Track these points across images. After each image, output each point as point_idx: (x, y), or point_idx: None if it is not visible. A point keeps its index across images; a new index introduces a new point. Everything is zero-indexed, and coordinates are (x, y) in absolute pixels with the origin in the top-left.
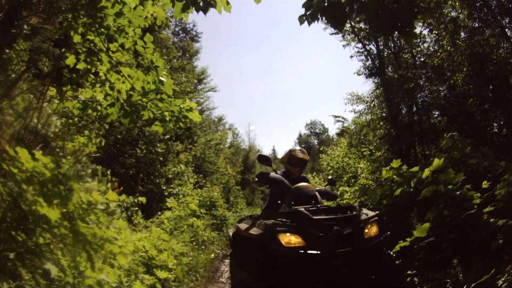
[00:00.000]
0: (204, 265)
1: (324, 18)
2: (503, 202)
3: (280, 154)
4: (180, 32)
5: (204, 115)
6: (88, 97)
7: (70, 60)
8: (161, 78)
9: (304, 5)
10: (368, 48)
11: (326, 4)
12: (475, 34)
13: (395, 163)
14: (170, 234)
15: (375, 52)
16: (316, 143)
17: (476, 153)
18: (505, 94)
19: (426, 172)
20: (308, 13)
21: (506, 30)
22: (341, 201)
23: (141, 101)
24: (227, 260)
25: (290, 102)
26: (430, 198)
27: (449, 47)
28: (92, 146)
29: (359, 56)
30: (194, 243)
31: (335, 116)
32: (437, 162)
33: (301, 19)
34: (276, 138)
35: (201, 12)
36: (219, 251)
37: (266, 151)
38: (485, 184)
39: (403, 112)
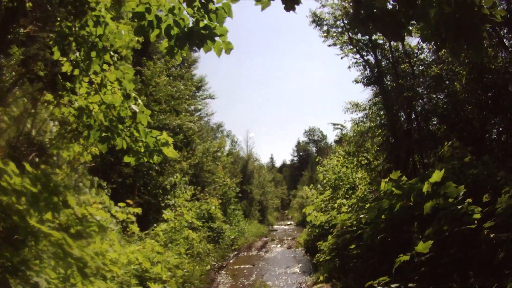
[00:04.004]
0: (199, 277)
1: (376, 28)
2: (503, 216)
3: (278, 163)
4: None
5: (202, 122)
6: (82, 104)
7: (66, 67)
8: (133, 107)
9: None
10: (366, 59)
11: (375, 11)
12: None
13: (394, 175)
14: (165, 246)
15: (373, 62)
16: (315, 151)
17: (476, 162)
18: (504, 101)
19: (426, 185)
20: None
21: (504, 40)
22: (338, 215)
23: (115, 127)
24: (223, 271)
25: (289, 109)
26: (430, 213)
27: (448, 57)
28: (87, 155)
29: (357, 66)
30: (189, 255)
31: (334, 124)
32: (437, 174)
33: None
34: (275, 146)
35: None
36: (214, 263)
37: (264, 160)
38: (486, 198)
39: (402, 119)
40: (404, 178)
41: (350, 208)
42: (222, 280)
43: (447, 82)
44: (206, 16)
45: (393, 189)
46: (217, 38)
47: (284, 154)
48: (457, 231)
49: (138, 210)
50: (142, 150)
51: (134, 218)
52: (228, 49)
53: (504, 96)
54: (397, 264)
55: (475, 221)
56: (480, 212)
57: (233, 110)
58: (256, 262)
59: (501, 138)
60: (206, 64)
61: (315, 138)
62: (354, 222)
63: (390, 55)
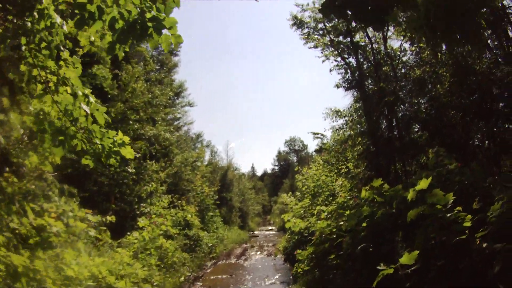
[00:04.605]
0: None
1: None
2: (497, 225)
3: (259, 171)
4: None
5: (182, 131)
6: (37, 109)
7: (22, 67)
8: (83, 106)
9: None
10: (347, 61)
11: None
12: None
13: (376, 182)
14: (135, 257)
15: (354, 65)
16: (296, 160)
17: (463, 169)
18: (488, 105)
19: (412, 193)
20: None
21: (489, 41)
22: (318, 222)
23: (68, 129)
24: (198, 283)
25: (270, 119)
26: (415, 221)
27: (432, 59)
28: (47, 164)
29: (339, 70)
30: (162, 266)
31: (314, 133)
32: (424, 182)
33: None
34: (256, 155)
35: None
36: (189, 273)
37: (245, 169)
38: (475, 205)
39: (383, 127)
40: (386, 185)
41: (329, 215)
42: None
43: (429, 86)
44: (154, 6)
45: (375, 196)
46: (165, 31)
47: (266, 163)
48: (445, 240)
49: (112, 219)
50: (99, 151)
51: (104, 228)
52: (178, 42)
53: (488, 100)
54: (379, 277)
55: (466, 230)
56: (471, 220)
57: (213, 120)
58: (234, 272)
59: (485, 144)
60: (187, 73)
61: (296, 147)
62: (334, 230)
63: (372, 58)
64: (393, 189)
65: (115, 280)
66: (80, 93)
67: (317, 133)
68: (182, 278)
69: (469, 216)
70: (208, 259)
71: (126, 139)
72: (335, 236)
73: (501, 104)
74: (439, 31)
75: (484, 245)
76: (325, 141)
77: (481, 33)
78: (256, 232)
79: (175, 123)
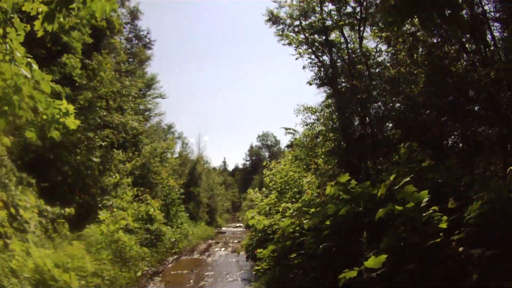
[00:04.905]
0: (125, 285)
1: None
2: (475, 227)
3: (231, 166)
4: (133, 38)
5: (153, 122)
6: None
7: None
8: (23, 71)
9: None
10: (321, 59)
11: None
12: (435, 49)
13: (343, 178)
14: (89, 251)
15: (328, 63)
16: (267, 155)
17: (438, 166)
18: (463, 107)
19: (382, 188)
20: None
21: (466, 45)
22: (282, 220)
23: (11, 98)
24: (157, 278)
25: (243, 113)
26: (384, 220)
27: (407, 59)
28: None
29: (312, 67)
30: (119, 260)
31: (286, 128)
32: (393, 176)
33: None
34: (228, 150)
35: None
36: (147, 268)
37: (216, 163)
38: (452, 204)
39: (355, 123)
40: (353, 181)
41: (294, 213)
42: None
43: (404, 86)
44: None
45: (340, 193)
46: None
47: (238, 158)
48: (417, 243)
49: (71, 211)
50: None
51: (62, 220)
52: (112, 9)
53: (464, 102)
54: (341, 281)
55: (441, 232)
56: (447, 221)
57: (187, 113)
58: (196, 268)
59: (459, 146)
60: (162, 66)
61: (268, 143)
62: (297, 228)
63: (347, 56)
64: (361, 185)
65: (61, 273)
66: (18, 54)
67: (289, 129)
68: (139, 273)
69: (445, 217)
70: (170, 254)
71: (71, 107)
72: (298, 234)
73: (476, 106)
74: (416, 11)
75: (460, 249)
76: (297, 136)
77: (463, 6)
78: (223, 229)
79: (146, 113)
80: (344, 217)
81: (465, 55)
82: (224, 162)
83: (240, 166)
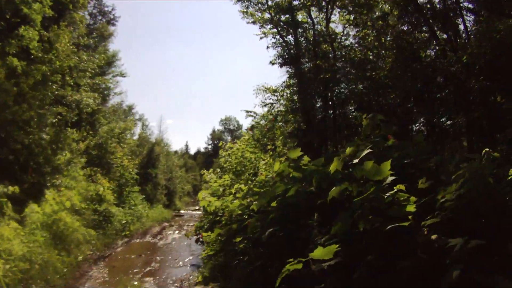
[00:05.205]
0: (62, 270)
1: None
2: (451, 211)
3: (193, 150)
4: (98, 14)
5: (114, 102)
6: None
7: None
8: None
9: None
10: (286, 40)
11: None
12: (404, 34)
13: (293, 153)
14: (30, 232)
15: (292, 43)
16: (229, 139)
17: (404, 142)
18: (430, 93)
19: (336, 162)
20: None
21: (438, 32)
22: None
23: None
24: (102, 263)
25: (208, 98)
26: (339, 201)
27: (375, 43)
28: None
29: (276, 47)
30: (58, 243)
31: (247, 111)
32: (350, 150)
33: None
34: (192, 134)
35: None
36: (91, 252)
37: (178, 146)
38: (423, 184)
39: (317, 105)
40: (306, 158)
41: (247, 194)
42: (96, 274)
43: (368, 67)
44: None
45: (291, 170)
46: None
47: (200, 142)
48: (378, 228)
49: (14, 189)
50: None
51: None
52: None
53: (431, 88)
54: (283, 274)
55: (409, 216)
56: (416, 203)
57: (152, 96)
58: (146, 251)
59: (423, 132)
60: (126, 46)
61: (231, 127)
62: (246, 211)
63: (313, 37)
64: (315, 162)
65: None
66: None
67: (250, 111)
68: (81, 257)
69: (414, 198)
70: (120, 237)
71: None
72: (246, 217)
73: (444, 93)
74: None
75: (433, 237)
76: (257, 119)
77: None
78: (182, 212)
79: (106, 92)
80: (293, 198)
81: (435, 42)
82: (186, 145)
83: (202, 150)
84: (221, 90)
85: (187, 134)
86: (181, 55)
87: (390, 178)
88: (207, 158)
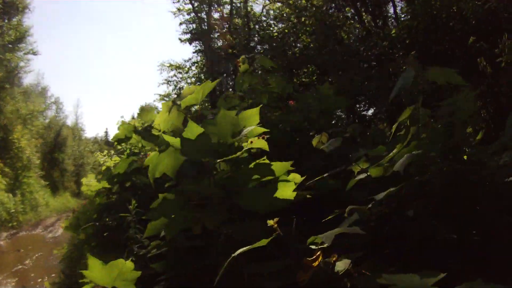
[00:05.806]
0: None
1: None
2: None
3: (112, 136)
4: None
5: (27, 83)
6: None
7: None
8: None
9: None
10: (200, 16)
11: None
12: (326, 15)
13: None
14: None
15: (205, 19)
16: None
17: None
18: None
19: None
20: None
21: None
22: None
23: None
24: None
25: (128, 84)
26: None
27: (294, 20)
28: None
29: (190, 24)
30: None
31: (160, 95)
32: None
33: None
34: (112, 120)
35: None
36: None
37: (92, 132)
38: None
39: (226, 83)
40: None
41: None
42: None
43: (287, 48)
44: None
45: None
46: None
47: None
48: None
49: None
50: None
51: None
52: None
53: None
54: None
55: None
56: None
57: (71, 80)
58: (28, 246)
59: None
60: (43, 27)
61: None
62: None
63: (229, 13)
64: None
65: None
66: None
67: (164, 95)
68: None
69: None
70: (5, 229)
71: None
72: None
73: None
74: None
75: None
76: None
77: None
78: None
79: (15, 71)
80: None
81: (359, 25)
82: (106, 132)
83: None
84: (144, 76)
85: (104, 120)
86: (103, 38)
87: None
88: None
